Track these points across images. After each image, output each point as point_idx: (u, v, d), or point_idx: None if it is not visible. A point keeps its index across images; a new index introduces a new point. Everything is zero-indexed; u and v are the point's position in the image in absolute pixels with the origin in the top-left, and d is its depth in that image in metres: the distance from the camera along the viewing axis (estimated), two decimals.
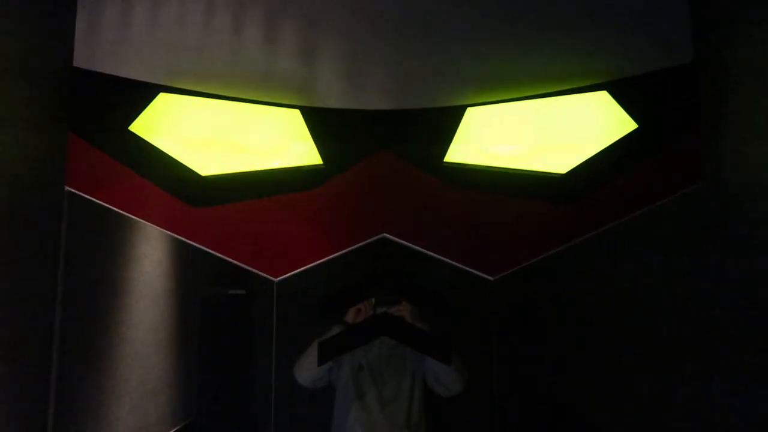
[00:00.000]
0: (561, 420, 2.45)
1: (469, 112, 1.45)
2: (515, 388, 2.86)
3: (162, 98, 1.44)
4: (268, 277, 1.45)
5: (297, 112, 1.45)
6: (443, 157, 1.46)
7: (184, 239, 1.47)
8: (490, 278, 1.46)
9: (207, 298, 2.39)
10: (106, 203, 1.44)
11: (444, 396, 2.38)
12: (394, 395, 2.41)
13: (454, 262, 1.47)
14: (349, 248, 1.47)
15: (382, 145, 1.46)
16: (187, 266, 2.20)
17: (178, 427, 2.07)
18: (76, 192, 1.42)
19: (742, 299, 1.24)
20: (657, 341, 1.65)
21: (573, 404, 2.34)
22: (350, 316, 2.18)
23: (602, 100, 1.45)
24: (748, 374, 1.22)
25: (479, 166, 1.48)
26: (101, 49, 1.44)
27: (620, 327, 1.90)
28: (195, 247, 1.47)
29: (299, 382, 2.30)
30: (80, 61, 1.44)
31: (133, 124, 1.43)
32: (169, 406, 2.02)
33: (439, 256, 1.47)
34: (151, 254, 1.89)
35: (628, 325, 1.84)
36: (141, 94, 1.44)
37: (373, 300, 2.06)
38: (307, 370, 2.26)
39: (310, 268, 1.46)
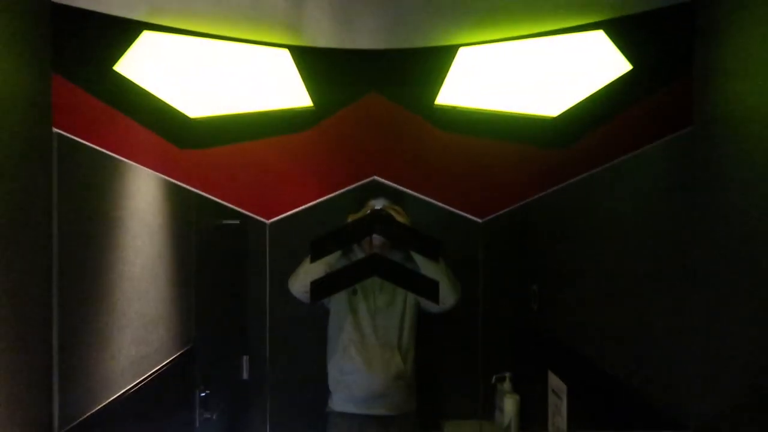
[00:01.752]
0: (548, 353, 2.56)
1: (461, 52, 1.42)
2: (502, 325, 2.98)
3: (147, 37, 1.40)
4: (260, 218, 1.48)
5: (286, 52, 1.42)
6: (434, 99, 1.45)
7: (174, 181, 1.48)
8: (479, 220, 1.49)
9: (202, 229, 2.42)
10: (95, 145, 1.44)
11: (437, 312, 2.48)
12: (385, 314, 2.52)
13: (443, 205, 1.49)
14: (341, 190, 1.48)
15: (373, 86, 1.44)
16: (180, 199, 2.22)
17: (177, 354, 2.16)
18: (64, 133, 1.41)
19: (727, 237, 1.27)
20: (641, 278, 1.71)
21: (560, 339, 2.44)
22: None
23: (597, 40, 1.42)
24: (727, 309, 1.28)
25: (470, 108, 1.47)
26: None
27: (604, 263, 1.96)
28: None
29: (293, 294, 2.39)
30: None
31: (117, 63, 1.40)
32: (169, 334, 2.10)
33: (429, 198, 1.49)
34: (143, 190, 1.90)
35: (614, 266, 1.89)
36: (124, 32, 1.40)
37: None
38: (301, 285, 2.34)
39: (302, 210, 1.48)
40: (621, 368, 1.82)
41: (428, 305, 2.49)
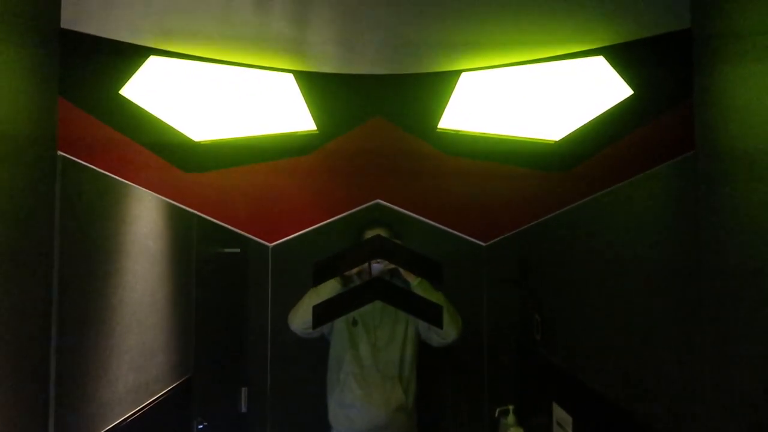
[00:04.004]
0: (552, 384, 2.52)
1: (464, 77, 1.44)
2: (504, 355, 2.95)
3: (153, 62, 1.42)
4: (263, 242, 1.47)
5: (290, 77, 1.44)
6: (437, 124, 1.46)
7: (178, 204, 1.47)
8: (482, 244, 1.48)
9: (202, 257, 2.41)
10: (99, 168, 1.44)
11: (437, 345, 2.46)
12: (386, 346, 2.48)
13: (446, 228, 1.48)
14: (344, 214, 1.48)
15: (376, 111, 1.45)
16: (181, 226, 2.21)
17: (176, 384, 2.12)
18: (68, 157, 1.42)
19: (734, 263, 1.26)
20: (647, 302, 1.69)
21: (564, 369, 2.41)
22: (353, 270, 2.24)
23: (598, 65, 1.44)
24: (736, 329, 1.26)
25: (473, 132, 1.48)
26: (89, 10, 1.41)
27: (609, 291, 1.94)
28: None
29: (293, 330, 2.36)
30: (67, 22, 1.41)
31: (123, 88, 1.42)
32: (168, 363, 2.07)
33: (432, 222, 1.48)
34: (145, 216, 1.90)
35: (617, 290, 1.88)
36: (131, 57, 1.42)
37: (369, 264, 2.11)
38: (301, 320, 2.32)
39: (305, 233, 1.48)
40: (627, 399, 1.78)
41: (429, 337, 2.47)
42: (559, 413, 2.32)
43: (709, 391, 1.33)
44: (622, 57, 1.42)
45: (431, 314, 1.68)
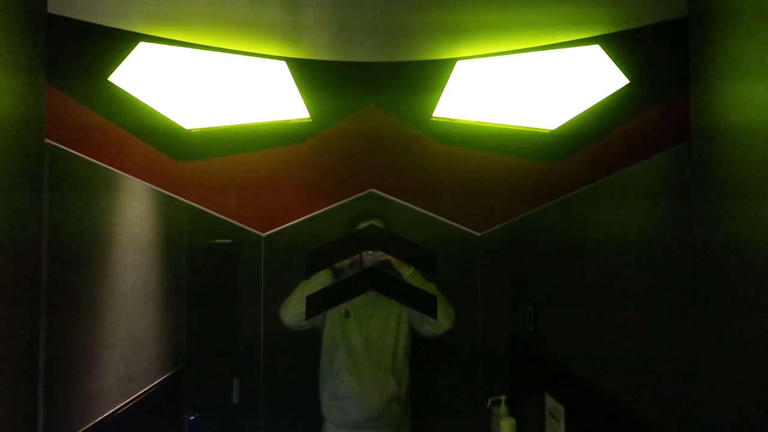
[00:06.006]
0: (545, 374, 2.53)
1: (459, 65, 1.42)
2: (498, 340, 2.95)
3: (142, 48, 1.39)
4: (256, 232, 1.45)
5: (283, 64, 1.41)
6: (431, 112, 1.45)
7: (169, 194, 1.45)
8: (477, 234, 1.48)
9: (194, 248, 2.39)
10: (88, 157, 1.41)
11: (430, 336, 2.46)
12: (379, 337, 2.48)
13: (441, 218, 1.47)
14: (337, 203, 1.46)
15: (370, 99, 1.44)
16: (173, 217, 2.19)
17: (167, 375, 2.11)
18: (57, 145, 1.39)
19: (727, 253, 1.26)
20: (640, 293, 1.69)
21: (556, 360, 2.41)
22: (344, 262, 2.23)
23: (594, 54, 1.43)
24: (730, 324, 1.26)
25: (467, 121, 1.47)
26: None
27: (602, 282, 1.94)
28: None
29: (284, 323, 2.36)
30: (55, 7, 1.38)
31: (112, 74, 1.39)
32: (159, 354, 2.05)
33: (427, 212, 1.47)
34: (136, 206, 1.87)
35: (610, 281, 1.88)
36: (120, 43, 1.39)
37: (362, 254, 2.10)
38: (293, 313, 2.32)
39: (298, 223, 1.46)
40: (620, 388, 1.79)
41: (422, 328, 2.47)
42: (551, 403, 2.33)
43: (703, 382, 1.33)
44: (618, 46, 1.41)
45: (425, 304, 1.67)
